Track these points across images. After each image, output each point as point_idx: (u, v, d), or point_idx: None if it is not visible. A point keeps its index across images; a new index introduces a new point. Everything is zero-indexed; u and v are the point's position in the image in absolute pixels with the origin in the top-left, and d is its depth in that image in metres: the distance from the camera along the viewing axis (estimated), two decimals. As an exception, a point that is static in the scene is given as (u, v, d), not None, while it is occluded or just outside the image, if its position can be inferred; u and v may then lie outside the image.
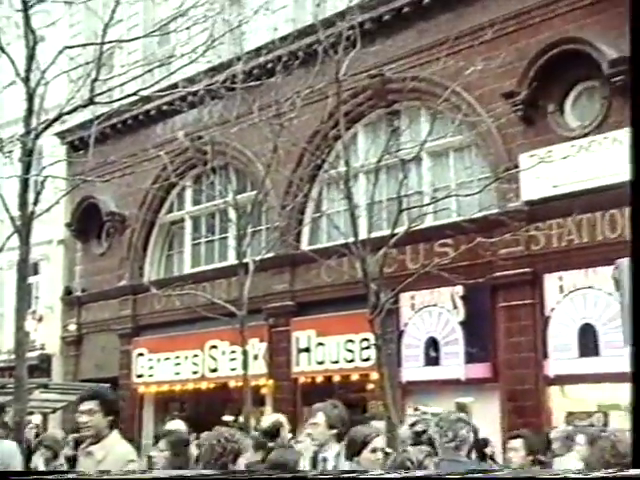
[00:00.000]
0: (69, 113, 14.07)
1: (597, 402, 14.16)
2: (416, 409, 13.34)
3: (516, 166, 14.83)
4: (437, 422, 6.59)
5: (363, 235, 14.23)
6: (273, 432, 8.38)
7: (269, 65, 16.83)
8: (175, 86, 15.77)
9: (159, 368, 20.66)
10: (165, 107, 19.90)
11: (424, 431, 11.12)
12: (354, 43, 14.46)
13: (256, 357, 18.13)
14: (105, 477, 5.33)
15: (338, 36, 14.47)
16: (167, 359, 20.43)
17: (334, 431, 6.18)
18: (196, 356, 19.76)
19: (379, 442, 6.52)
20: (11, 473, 6.01)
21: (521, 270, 14.78)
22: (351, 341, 16.89)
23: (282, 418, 9.02)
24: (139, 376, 21.10)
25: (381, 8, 16.58)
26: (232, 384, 18.44)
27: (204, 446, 5.54)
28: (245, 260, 15.82)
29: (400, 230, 14.13)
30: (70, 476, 5.58)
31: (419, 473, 5.82)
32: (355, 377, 17.09)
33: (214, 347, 19.37)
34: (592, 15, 14.41)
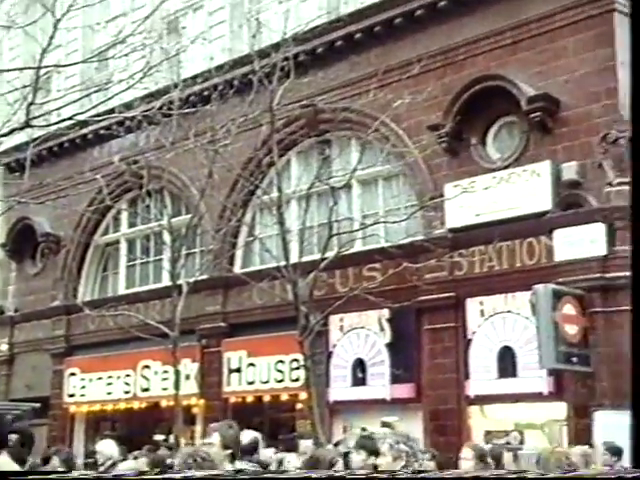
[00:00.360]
0: (5, 135, 13.89)
1: (514, 421, 14.43)
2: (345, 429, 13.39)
3: (441, 195, 15.10)
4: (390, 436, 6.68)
5: (294, 259, 14.35)
6: (251, 449, 8.40)
7: (205, 93, 16.87)
8: (112, 111, 15.68)
9: (91, 388, 20.36)
10: (102, 131, 19.73)
11: (348, 452, 11.28)
12: (288, 74, 14.64)
13: (188, 377, 17.99)
14: (103, 477, 5.26)
15: (273, 67, 14.65)
16: (99, 379, 20.16)
17: (228, 451, 6.23)
18: (128, 376, 19.54)
19: (340, 464, 6.64)
20: (10, 473, 5.86)
21: (445, 294, 14.98)
22: (281, 362, 16.91)
23: (258, 435, 9.03)
24: (71, 395, 20.77)
25: (315, 41, 16.75)
26: (164, 403, 18.29)
27: (179, 465, 5.52)
28: (179, 282, 15.79)
29: (330, 254, 14.31)
30: (71, 476, 5.48)
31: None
32: (285, 397, 17.10)
33: (147, 367, 19.19)
34: (512, 54, 14.83)
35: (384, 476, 5.26)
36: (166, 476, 4.92)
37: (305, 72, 16.15)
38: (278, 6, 17.55)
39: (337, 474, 5.46)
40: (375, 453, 7.00)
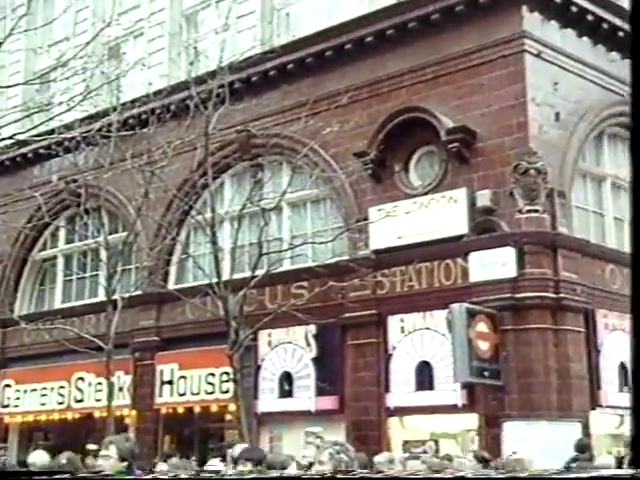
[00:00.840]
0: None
1: (430, 431, 14.72)
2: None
3: (366, 218, 15.38)
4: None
5: (226, 276, 14.46)
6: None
7: (143, 116, 16.91)
8: (52, 131, 15.62)
9: (25, 399, 20.08)
10: (42, 151, 19.60)
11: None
12: (223, 100, 14.78)
13: (121, 389, 17.92)
14: (98, 478, 5.25)
15: (209, 93, 14.78)
16: (34, 390, 19.89)
17: (125, 463, 6.27)
18: (62, 387, 19.34)
19: (293, 467, 6.75)
20: (8, 473, 5.81)
21: (368, 312, 15.20)
22: (212, 374, 16.95)
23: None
24: (5, 406, 20.45)
25: (249, 70, 16.90)
26: (97, 414, 18.12)
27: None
28: (114, 297, 15.74)
29: (260, 273, 14.46)
30: (65, 476, 5.44)
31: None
32: (214, 408, 17.11)
33: (81, 379, 19.02)
34: (433, 88, 15.24)
35: (378, 476, 5.28)
36: (166, 476, 4.95)
37: (240, 99, 16.29)
38: (215, 36, 17.68)
39: (335, 475, 5.45)
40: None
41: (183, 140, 15.44)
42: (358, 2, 16.85)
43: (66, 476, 5.51)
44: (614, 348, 14.62)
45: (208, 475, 5.19)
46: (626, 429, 15.10)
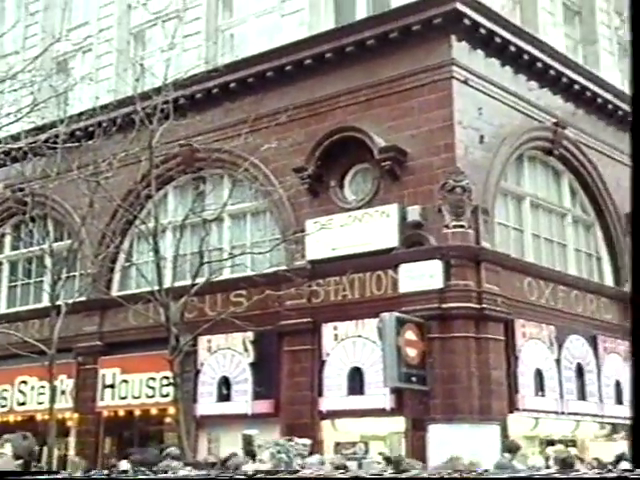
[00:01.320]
0: None
1: (360, 433, 14.88)
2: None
3: (302, 230, 15.51)
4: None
5: (168, 284, 14.41)
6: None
7: (90, 129, 16.81)
8: (-1, 142, 15.41)
9: (-32, 402, 19.62)
10: (-11, 159, 19.27)
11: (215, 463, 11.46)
12: (168, 115, 14.76)
13: (63, 392, 17.71)
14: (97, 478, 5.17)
15: (154, 108, 14.74)
16: (-23, 393, 19.46)
17: (20, 461, 6.24)
18: (6, 390, 19.00)
19: (250, 467, 6.80)
20: (7, 473, 5.67)
21: (303, 320, 15.33)
22: (152, 379, 16.86)
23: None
24: (-51, 409, 19.93)
25: (193, 87, 16.90)
26: (39, 417, 17.83)
27: None
28: (58, 303, 15.55)
29: (201, 281, 14.44)
30: (60, 476, 5.34)
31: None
32: (155, 411, 17.02)
33: (24, 382, 18.70)
34: (367, 110, 15.49)
35: (376, 477, 5.25)
36: (166, 476, 4.91)
37: (184, 115, 16.30)
38: (161, 54, 17.67)
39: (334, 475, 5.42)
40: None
41: (128, 153, 15.37)
42: (298, 26, 17.03)
43: (66, 476, 5.47)
44: (531, 355, 15.03)
45: (214, 476, 5.17)
46: (540, 431, 15.53)
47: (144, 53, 19.07)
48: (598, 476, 4.72)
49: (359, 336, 14.91)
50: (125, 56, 19.10)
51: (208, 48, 18.35)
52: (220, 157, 16.63)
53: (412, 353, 13.77)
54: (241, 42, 18.43)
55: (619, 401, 16.90)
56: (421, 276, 14.23)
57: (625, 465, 11.26)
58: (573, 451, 15.27)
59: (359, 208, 15.24)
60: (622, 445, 16.93)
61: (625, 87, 19.80)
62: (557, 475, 5.26)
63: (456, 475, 4.91)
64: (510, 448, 11.84)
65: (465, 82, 14.97)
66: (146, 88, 16.14)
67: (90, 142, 15.94)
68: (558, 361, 15.62)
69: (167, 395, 16.10)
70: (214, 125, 16.97)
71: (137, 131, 15.22)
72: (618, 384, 16.97)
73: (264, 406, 15.63)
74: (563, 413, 15.49)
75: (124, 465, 13.42)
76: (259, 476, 5.36)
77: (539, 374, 15.15)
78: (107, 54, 19.76)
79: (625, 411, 17.01)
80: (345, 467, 10.23)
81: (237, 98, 16.88)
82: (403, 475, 5.60)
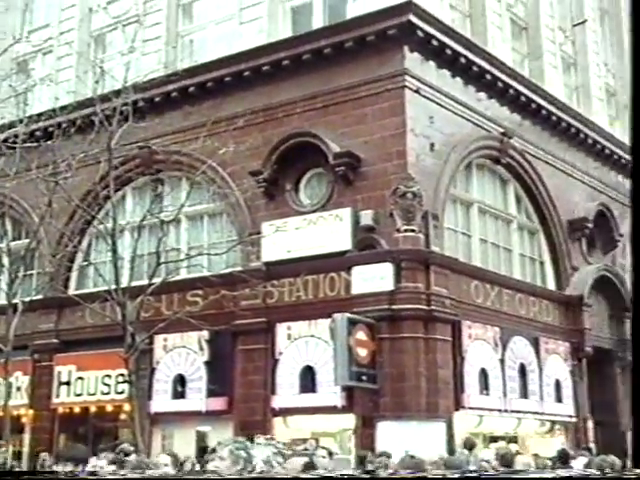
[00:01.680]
0: None
1: (311, 430, 14.84)
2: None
3: (258, 232, 15.44)
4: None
5: (125, 283, 14.22)
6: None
7: (49, 129, 16.51)
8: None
9: None
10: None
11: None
12: (127, 118, 14.59)
13: (19, 389, 17.35)
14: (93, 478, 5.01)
15: (113, 110, 14.56)
16: None
17: None
18: (-39, 387, 18.50)
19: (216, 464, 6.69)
20: (6, 473, 5.46)
21: (258, 319, 15.25)
22: (108, 376, 16.63)
23: None
24: None
25: (153, 90, 16.69)
26: (-6, 414, 17.44)
27: None
28: (14, 301, 15.24)
29: (157, 281, 14.27)
30: (61, 477, 5.16)
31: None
32: (110, 408, 16.78)
33: (-21, 379, 18.24)
34: (323, 116, 15.47)
35: (381, 476, 5.13)
36: (169, 476, 4.79)
37: (143, 117, 16.08)
38: (121, 57, 17.43)
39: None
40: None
41: (87, 153, 15.14)
42: (257, 34, 16.96)
43: (67, 476, 5.34)
44: (476, 355, 15.16)
45: (206, 476, 5.06)
46: (484, 428, 15.67)
47: (104, 56, 18.79)
48: (601, 476, 4.66)
49: (312, 336, 14.89)
50: (85, 58, 18.80)
51: (168, 53, 18.17)
52: (178, 159, 16.49)
53: (363, 353, 13.78)
54: (200, 48, 18.30)
55: (558, 399, 17.15)
56: (373, 278, 14.26)
57: (582, 461, 11.37)
58: (514, 447, 15.46)
59: (314, 211, 15.22)
60: (559, 441, 17.23)
61: (570, 100, 20.14)
62: (559, 474, 5.24)
63: (457, 475, 4.88)
64: (467, 445, 11.93)
65: (417, 91, 15.05)
66: (106, 90, 15.94)
67: (49, 142, 15.65)
68: (502, 361, 15.79)
69: (122, 392, 15.89)
70: (173, 128, 16.79)
71: (96, 132, 15.02)
72: (558, 383, 17.23)
73: (218, 403, 15.51)
74: (506, 411, 15.66)
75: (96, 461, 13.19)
76: (255, 476, 5.32)
77: (484, 373, 15.29)
78: (67, 56, 19.45)
79: (564, 409, 17.29)
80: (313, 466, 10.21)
81: (196, 102, 16.74)
82: (410, 475, 5.55)
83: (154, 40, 18.39)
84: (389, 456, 10.62)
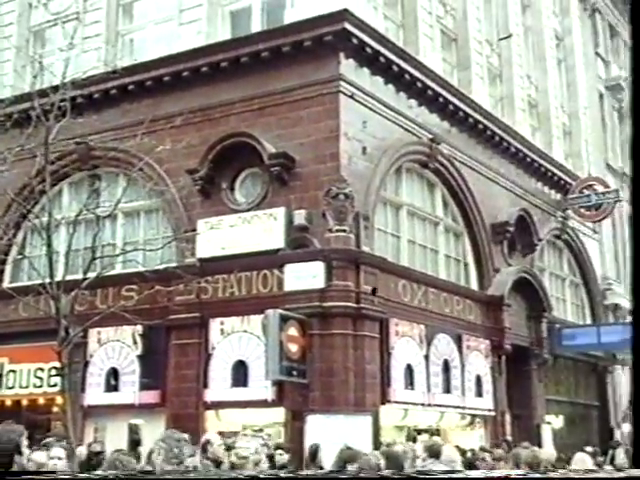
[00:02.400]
0: None
1: (242, 423, 14.73)
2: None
3: (194, 229, 15.24)
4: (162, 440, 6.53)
5: (59, 277, 13.81)
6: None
7: (-15, 122, 15.91)
8: None
9: None
10: None
11: (101, 452, 11.03)
12: (65, 113, 14.14)
13: (-51, 382, 16.73)
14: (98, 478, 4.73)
15: (51, 106, 14.10)
16: None
17: None
18: None
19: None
20: (7, 473, 5.10)
21: (191, 315, 15.07)
22: (41, 369, 16.19)
23: None
24: None
25: (92, 87, 16.24)
26: None
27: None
28: (-54, 293, 14.68)
29: (92, 275, 13.92)
30: (69, 476, 4.84)
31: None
32: (42, 401, 16.32)
33: None
34: (259, 117, 15.37)
35: (384, 475, 5.01)
36: (168, 476, 4.61)
37: (81, 113, 15.56)
38: (60, 53, 16.96)
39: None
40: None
41: (24, 148, 14.62)
42: (196, 35, 16.74)
43: (68, 476, 5.07)
44: (402, 352, 15.28)
45: (203, 476, 4.86)
46: (409, 421, 15.81)
47: (43, 51, 18.27)
48: (608, 476, 4.63)
49: (245, 331, 14.78)
50: (24, 52, 18.27)
51: (107, 51, 17.75)
52: (116, 156, 16.12)
53: (294, 348, 13.74)
54: (140, 47, 17.96)
55: (479, 394, 17.43)
56: (304, 276, 14.23)
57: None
58: (438, 439, 15.61)
59: (248, 210, 15.10)
60: (479, 433, 17.53)
61: (495, 110, 20.48)
62: (560, 475, 5.11)
63: (457, 475, 4.80)
64: (432, 453, 11.03)
65: (351, 97, 15.07)
66: (44, 86, 15.47)
67: (-15, 135, 15.09)
68: (427, 357, 15.95)
69: (55, 385, 15.44)
70: (111, 125, 16.43)
71: (34, 127, 14.49)
72: (479, 379, 17.51)
73: (151, 397, 15.26)
74: (430, 405, 15.82)
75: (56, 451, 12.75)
76: (261, 476, 5.20)
77: (409, 369, 15.42)
78: (6, 50, 18.84)
79: (484, 403, 17.58)
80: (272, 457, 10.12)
81: (135, 100, 16.43)
82: (406, 475, 5.44)
83: (94, 38, 17.96)
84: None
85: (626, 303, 25.86)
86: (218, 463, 9.00)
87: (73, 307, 13.63)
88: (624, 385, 23.38)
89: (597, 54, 28.69)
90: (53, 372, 15.56)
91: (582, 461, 11.28)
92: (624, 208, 28.07)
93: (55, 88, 14.60)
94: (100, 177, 16.74)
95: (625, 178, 28.94)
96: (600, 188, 23.35)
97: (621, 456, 17.32)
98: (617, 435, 22.52)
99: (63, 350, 13.27)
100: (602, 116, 28.24)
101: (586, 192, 23.27)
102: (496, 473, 6.77)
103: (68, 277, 13.95)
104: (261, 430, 12.88)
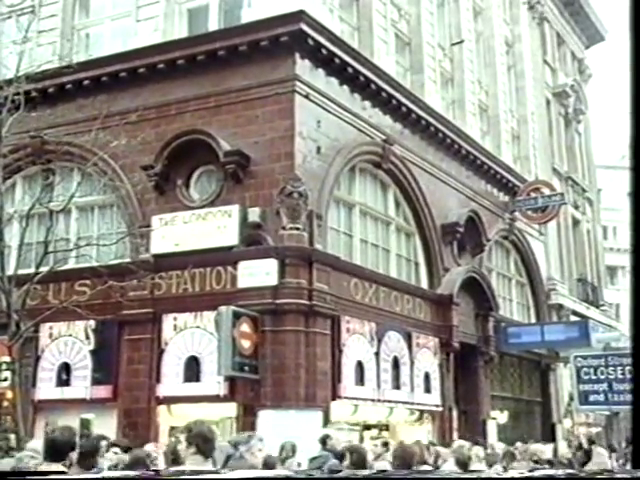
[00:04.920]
0: None
1: (194, 418, 14.56)
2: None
3: (148, 225, 15.07)
4: None
5: (11, 271, 13.54)
6: None
7: (-63, 114, 15.49)
8: None
9: None
10: None
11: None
12: (18, 107, 13.88)
13: None
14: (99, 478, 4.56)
15: (4, 99, 13.82)
16: None
17: None
18: None
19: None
20: (8, 473, 4.88)
21: (144, 310, 14.88)
22: (-9, 364, 15.78)
23: None
24: None
25: (46, 82, 15.91)
26: None
27: None
28: None
29: (45, 269, 13.68)
30: (61, 476, 4.64)
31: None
32: (-8, 395, 15.95)
33: None
34: (215, 115, 15.26)
35: (391, 476, 4.96)
36: (169, 476, 4.49)
37: (35, 107, 15.30)
38: (14, 46, 16.61)
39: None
40: None
41: (-25, 141, 14.30)
42: (152, 32, 16.56)
43: (67, 476, 4.92)
44: (353, 349, 15.35)
45: (211, 476, 4.73)
46: (359, 416, 15.89)
47: (-3, 44, 17.90)
48: (606, 476, 4.65)
49: (197, 327, 14.67)
50: (-23, 45, 17.85)
51: (63, 45, 17.46)
52: (70, 150, 15.84)
53: (246, 344, 13.68)
54: (96, 42, 17.69)
55: (427, 390, 17.60)
56: (258, 273, 14.17)
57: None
58: (386, 434, 15.75)
59: (203, 207, 14.98)
60: (426, 428, 17.70)
61: (446, 113, 20.70)
62: (560, 474, 5.10)
63: (458, 475, 4.79)
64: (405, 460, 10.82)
65: (306, 97, 15.07)
66: (-2, 79, 15.16)
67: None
68: (377, 354, 16.04)
69: (5, 380, 15.10)
70: (65, 119, 16.12)
71: (-14, 120, 14.21)
72: (427, 375, 17.68)
73: (103, 391, 15.06)
74: (379, 400, 15.92)
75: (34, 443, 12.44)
76: (265, 476, 5.16)
77: (360, 365, 15.49)
78: (-42, 42, 18.38)
79: (432, 399, 17.77)
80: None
81: (90, 95, 16.13)
82: (410, 475, 5.40)
83: (49, 32, 17.64)
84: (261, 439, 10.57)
85: (569, 303, 26.40)
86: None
87: (25, 301, 13.40)
88: (566, 382, 23.86)
89: (545, 62, 29.22)
90: (4, 367, 15.21)
91: (600, 454, 11.65)
92: (569, 211, 28.63)
93: (9, 82, 14.32)
94: (54, 171, 16.40)
95: (570, 182, 29.53)
96: (546, 191, 23.78)
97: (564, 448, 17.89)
98: (558, 430, 22.97)
99: (14, 345, 13.04)
100: (549, 121, 28.76)
101: (533, 195, 23.68)
102: (508, 474, 6.74)
103: (20, 271, 13.73)
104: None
